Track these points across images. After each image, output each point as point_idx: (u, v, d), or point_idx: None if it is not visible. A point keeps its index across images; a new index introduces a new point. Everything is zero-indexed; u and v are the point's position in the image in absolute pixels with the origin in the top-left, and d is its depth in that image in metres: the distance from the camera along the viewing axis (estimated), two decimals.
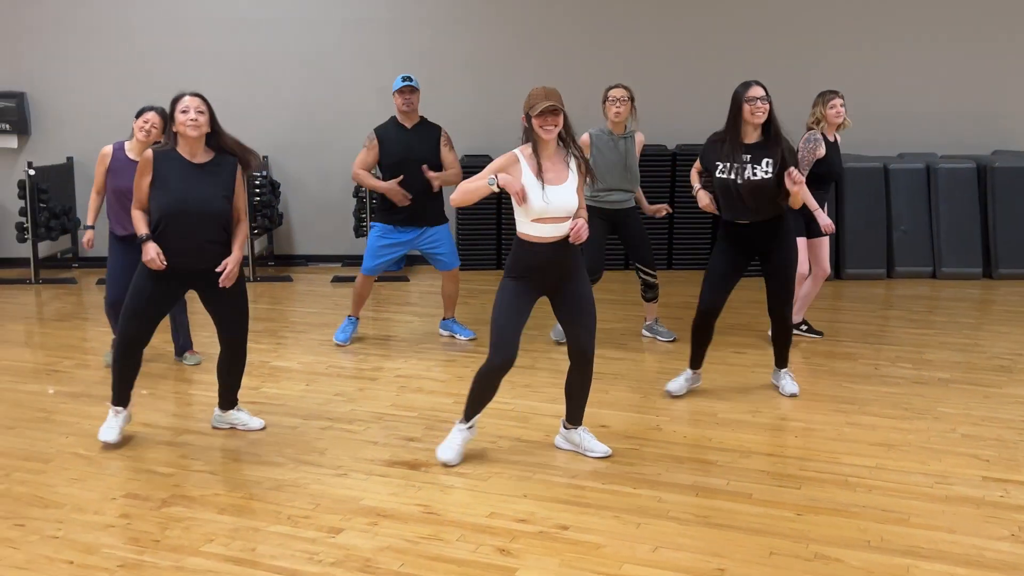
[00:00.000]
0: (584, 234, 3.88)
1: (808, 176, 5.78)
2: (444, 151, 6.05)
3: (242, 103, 9.04)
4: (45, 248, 8.78)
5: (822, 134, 5.86)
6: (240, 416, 4.63)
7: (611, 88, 5.85)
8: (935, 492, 3.81)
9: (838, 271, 8.44)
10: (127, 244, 5.31)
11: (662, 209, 6.11)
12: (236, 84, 9.06)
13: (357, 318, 6.37)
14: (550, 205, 3.85)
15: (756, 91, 4.62)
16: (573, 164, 3.95)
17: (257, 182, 8.59)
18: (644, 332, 6.38)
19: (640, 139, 5.98)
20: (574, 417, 4.26)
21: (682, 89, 8.96)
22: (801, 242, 5.92)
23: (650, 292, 6.22)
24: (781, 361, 5.14)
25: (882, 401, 4.99)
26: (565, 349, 4.20)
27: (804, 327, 6.33)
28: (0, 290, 8.21)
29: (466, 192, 3.98)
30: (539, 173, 3.87)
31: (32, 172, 8.26)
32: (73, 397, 5.11)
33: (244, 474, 4.06)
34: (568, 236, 3.91)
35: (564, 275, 4.03)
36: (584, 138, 5.84)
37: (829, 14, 9.03)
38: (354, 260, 6.72)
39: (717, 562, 3.25)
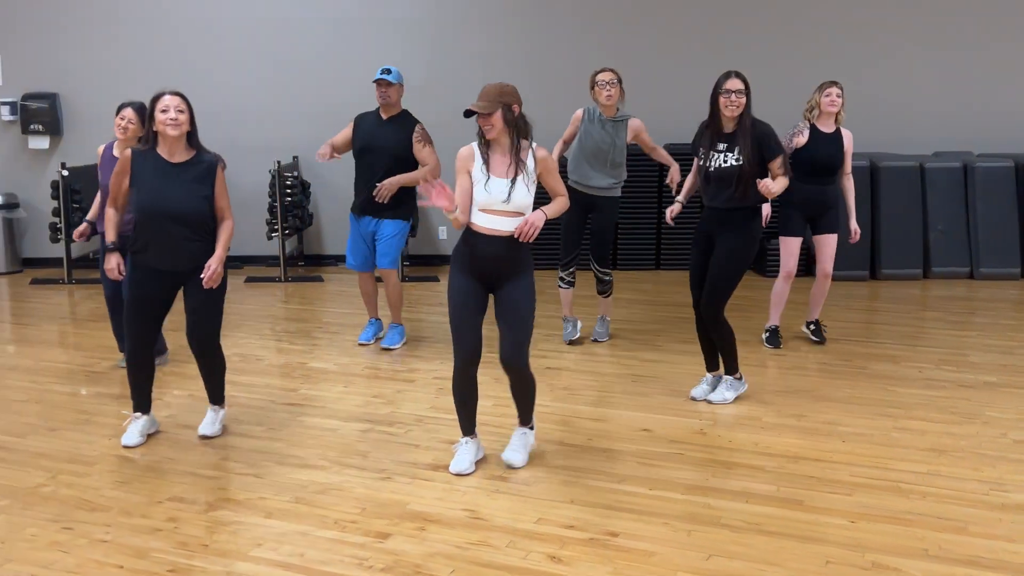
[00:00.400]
0: (530, 233, 3.88)
1: (793, 165, 5.76)
2: (417, 147, 5.91)
3: (273, 103, 9.07)
4: (78, 249, 8.81)
5: (812, 124, 5.89)
6: (207, 416, 4.59)
7: (598, 72, 5.82)
8: (991, 499, 3.74)
9: (874, 271, 8.35)
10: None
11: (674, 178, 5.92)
12: (267, 84, 9.09)
13: (375, 318, 6.37)
14: (491, 196, 3.89)
15: (733, 83, 4.64)
16: (529, 160, 3.94)
17: (288, 182, 8.59)
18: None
19: (635, 125, 5.86)
20: (520, 417, 4.24)
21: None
22: (789, 241, 5.91)
23: (601, 287, 6.16)
24: (713, 365, 5.01)
25: (929, 405, 4.91)
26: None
27: (812, 327, 6.19)
28: (33, 290, 8.27)
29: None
30: (486, 165, 3.93)
31: (65, 173, 8.30)
32: (113, 398, 5.11)
33: (288, 477, 4.04)
34: (513, 234, 3.90)
35: (504, 274, 3.96)
36: (577, 113, 5.92)
37: (865, 13, 8.93)
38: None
39: (772, 571, 3.20)
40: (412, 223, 6.17)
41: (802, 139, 5.88)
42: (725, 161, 4.68)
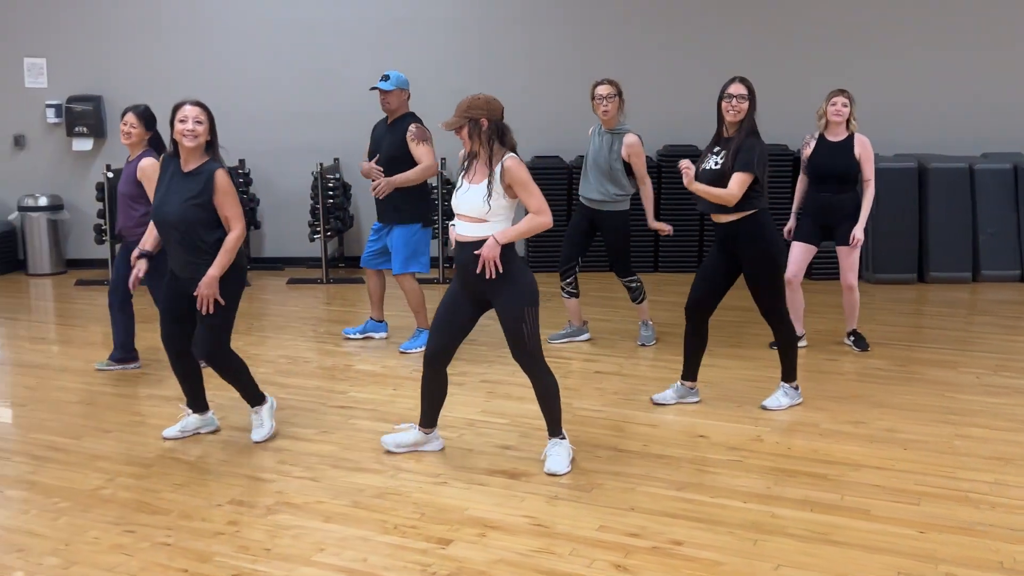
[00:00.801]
0: (490, 268, 3.88)
1: (808, 175, 5.89)
2: (412, 146, 5.87)
3: (315, 105, 9.09)
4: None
5: (821, 133, 5.81)
6: (252, 421, 4.59)
7: (597, 84, 5.76)
8: None
9: (921, 274, 8.23)
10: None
11: (664, 228, 5.92)
12: (309, 86, 9.11)
13: (373, 319, 6.40)
14: (457, 200, 4.02)
15: (735, 88, 4.58)
16: (496, 174, 3.92)
17: (330, 184, 8.61)
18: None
19: (628, 141, 5.71)
20: (548, 428, 4.22)
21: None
22: (794, 247, 5.82)
23: (631, 295, 6.12)
24: (690, 375, 4.95)
25: (989, 412, 4.82)
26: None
27: (852, 338, 6.06)
28: (78, 291, 8.33)
29: None
30: (466, 174, 4.05)
31: (110, 175, 8.36)
32: (166, 400, 5.12)
33: (345, 481, 4.03)
34: (484, 238, 3.94)
35: (482, 288, 3.99)
36: (591, 129, 5.95)
37: (914, 12, 8.80)
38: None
39: None
40: (424, 223, 6.09)
41: (808, 150, 5.86)
42: (708, 164, 4.64)
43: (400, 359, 5.95)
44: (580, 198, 5.99)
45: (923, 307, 7.45)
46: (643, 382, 5.39)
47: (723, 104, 4.60)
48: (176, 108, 4.18)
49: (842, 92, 5.78)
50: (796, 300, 5.93)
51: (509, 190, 3.93)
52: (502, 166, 3.92)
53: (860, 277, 8.23)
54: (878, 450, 4.32)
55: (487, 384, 5.41)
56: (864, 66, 8.78)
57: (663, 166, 8.59)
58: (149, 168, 5.28)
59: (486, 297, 4.05)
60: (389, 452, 4.32)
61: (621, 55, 8.86)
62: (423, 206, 6.12)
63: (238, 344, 6.28)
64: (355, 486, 3.97)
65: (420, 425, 4.35)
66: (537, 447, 4.39)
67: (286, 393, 5.29)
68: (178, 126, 4.13)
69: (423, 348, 6.01)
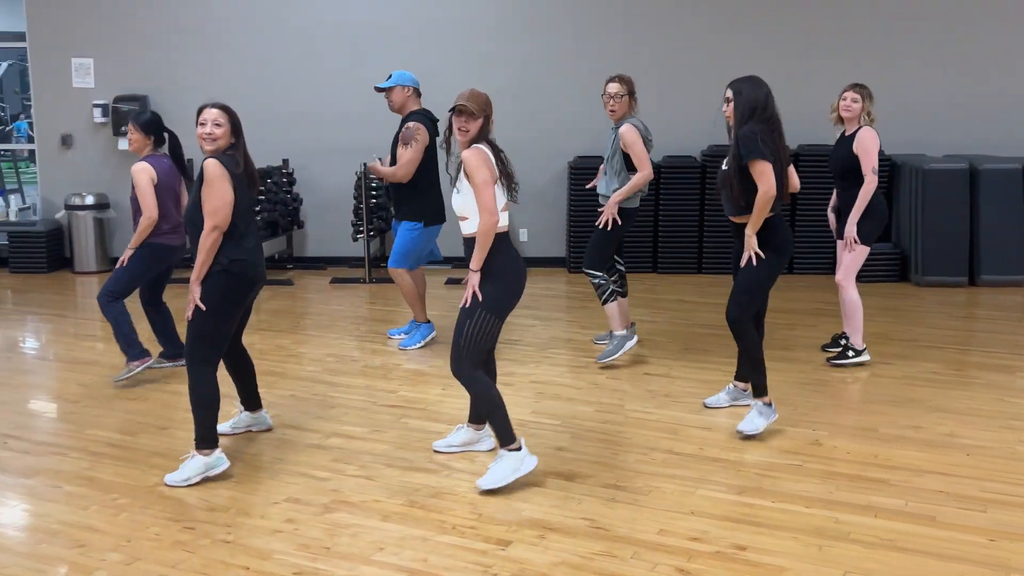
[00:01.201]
0: (467, 298, 3.85)
1: None
2: (399, 147, 5.91)
3: (359, 105, 9.10)
4: None
5: (843, 129, 5.61)
6: (240, 417, 4.62)
7: (608, 82, 5.63)
8: None
9: (972, 277, 8.08)
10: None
11: (604, 218, 5.59)
12: (354, 86, 9.11)
13: (416, 320, 6.38)
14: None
15: (727, 92, 4.52)
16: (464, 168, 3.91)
17: (373, 185, 8.62)
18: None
19: (621, 130, 5.48)
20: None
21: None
22: (863, 250, 5.53)
23: (597, 291, 5.67)
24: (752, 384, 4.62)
25: None
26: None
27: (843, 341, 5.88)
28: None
29: None
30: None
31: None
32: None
33: (400, 480, 4.02)
34: (466, 235, 3.94)
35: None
36: None
37: (965, 7, 8.66)
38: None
39: None
40: (425, 222, 6.04)
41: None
42: (723, 166, 4.58)
43: (446, 359, 5.91)
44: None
45: (975, 310, 7.32)
46: (692, 384, 5.33)
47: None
48: (199, 111, 4.08)
49: (854, 87, 5.54)
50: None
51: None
52: (461, 157, 3.90)
53: (907, 279, 8.18)
54: (939, 455, 4.24)
55: (536, 384, 5.38)
56: (913, 64, 8.66)
57: (707, 166, 8.54)
58: (137, 173, 5.27)
59: None
60: (438, 452, 4.31)
61: (665, 53, 8.80)
62: (423, 205, 6.01)
63: (283, 342, 6.37)
64: (410, 485, 3.96)
65: (469, 422, 4.34)
66: (589, 449, 4.37)
67: (336, 391, 5.29)
68: (198, 129, 4.04)
69: (422, 342, 6.10)
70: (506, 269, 3.90)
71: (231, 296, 4.03)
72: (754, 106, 4.43)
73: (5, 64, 14.07)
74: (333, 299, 7.94)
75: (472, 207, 3.87)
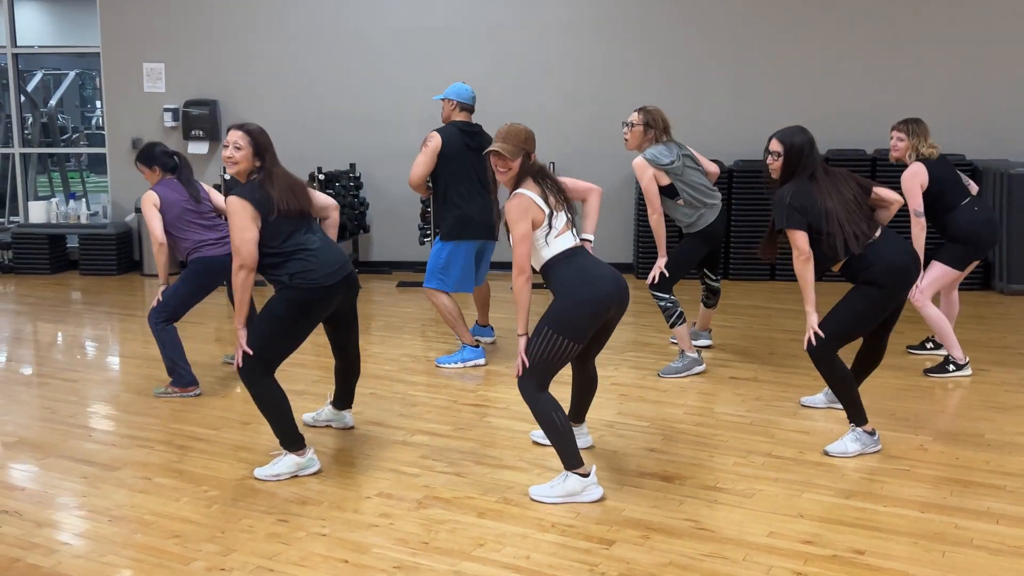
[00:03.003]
0: (517, 366, 3.69)
1: None
2: None
3: (424, 113, 9.07)
4: None
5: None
6: (323, 410, 4.62)
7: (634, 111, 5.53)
8: None
9: None
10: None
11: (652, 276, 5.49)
12: (418, 95, 9.09)
13: (479, 324, 6.28)
14: None
15: (770, 145, 4.25)
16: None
17: None
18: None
19: (634, 163, 5.41)
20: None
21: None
22: (942, 269, 5.40)
23: (665, 315, 5.54)
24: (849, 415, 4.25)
25: None
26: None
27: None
28: None
29: None
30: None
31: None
32: (297, 395, 5.08)
33: (491, 477, 3.92)
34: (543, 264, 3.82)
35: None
36: None
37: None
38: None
39: None
40: (448, 238, 5.75)
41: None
42: None
43: None
44: None
45: None
46: (782, 388, 5.17)
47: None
48: (226, 131, 3.99)
49: (898, 125, 5.41)
50: (944, 308, 5.69)
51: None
52: (505, 207, 3.77)
53: (991, 287, 7.92)
54: None
55: (618, 387, 5.26)
56: (996, 66, 8.40)
57: (735, 176, 8.39)
58: (142, 203, 5.25)
59: None
60: (536, 443, 4.22)
61: (739, 54, 8.66)
62: (441, 218, 5.81)
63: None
64: (503, 483, 3.86)
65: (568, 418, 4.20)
66: (683, 450, 4.24)
67: (415, 390, 5.22)
68: (223, 152, 3.95)
69: (461, 364, 5.74)
70: (571, 285, 3.67)
71: (292, 310, 3.88)
72: (797, 160, 4.18)
73: (71, 74, 14.33)
74: (401, 302, 7.89)
75: (539, 252, 3.76)
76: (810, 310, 4.14)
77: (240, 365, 3.87)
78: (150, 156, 5.37)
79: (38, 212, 9.50)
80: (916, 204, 5.24)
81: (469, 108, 5.95)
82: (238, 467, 4.07)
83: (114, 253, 9.28)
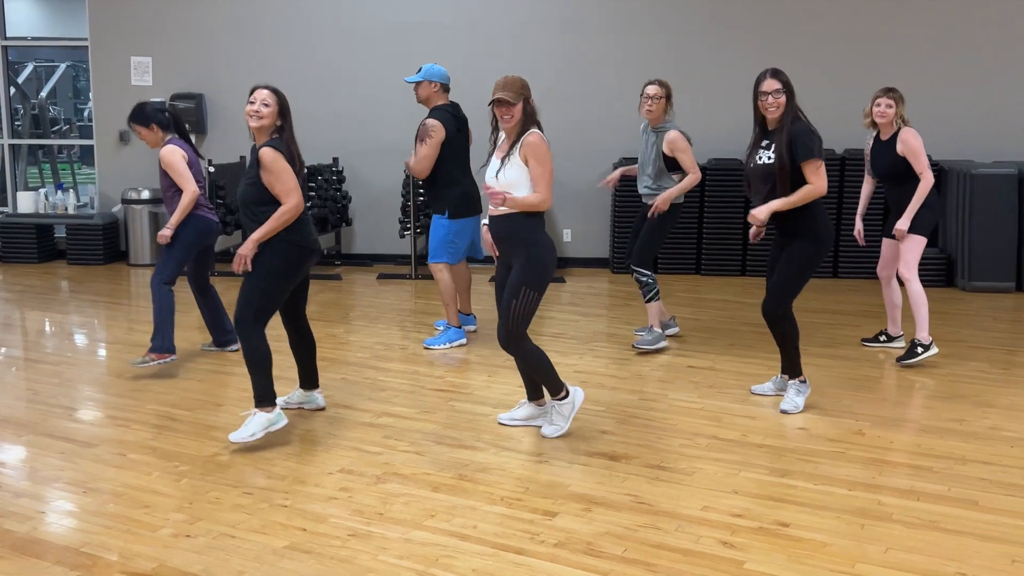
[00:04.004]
0: (493, 199, 4.02)
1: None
2: (416, 144, 5.99)
3: (407, 108, 9.25)
4: (220, 243, 9.18)
5: (876, 133, 5.69)
6: (293, 393, 4.83)
7: (647, 84, 5.81)
8: None
9: (1020, 283, 8.04)
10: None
11: (657, 208, 5.75)
12: (401, 90, 9.27)
13: (462, 312, 6.47)
14: (488, 177, 4.22)
15: (768, 84, 4.49)
16: (516, 147, 4.14)
17: (421, 183, 8.77)
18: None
19: (669, 137, 5.69)
20: (541, 392, 4.51)
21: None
22: (883, 243, 5.76)
23: (641, 289, 5.89)
24: (789, 369, 4.78)
25: None
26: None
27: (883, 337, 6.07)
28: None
29: None
30: (496, 151, 4.30)
31: (212, 169, 8.67)
32: (275, 379, 5.29)
33: (448, 456, 4.14)
34: (502, 213, 4.14)
35: (507, 254, 4.22)
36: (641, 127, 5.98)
37: (1017, 13, 8.63)
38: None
39: (956, 566, 3.12)
40: (450, 214, 6.04)
41: (867, 150, 5.80)
42: (760, 159, 4.57)
43: (494, 349, 6.04)
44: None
45: (1023, 315, 7.27)
46: (737, 377, 5.40)
47: (760, 102, 4.51)
48: (251, 90, 4.28)
49: (886, 92, 5.59)
50: (887, 296, 5.90)
51: (526, 161, 4.10)
52: (524, 140, 4.11)
53: (953, 284, 8.16)
54: (983, 446, 4.26)
55: (580, 374, 5.48)
56: (962, 69, 8.64)
57: (708, 173, 8.61)
58: (168, 155, 5.38)
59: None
60: (502, 424, 4.50)
61: (712, 53, 8.86)
62: (447, 198, 6.03)
63: (334, 331, 6.54)
64: (459, 461, 4.07)
65: (529, 399, 4.54)
66: (633, 433, 4.45)
67: (385, 376, 5.43)
68: (247, 106, 4.23)
69: (447, 345, 6.03)
70: (544, 244, 4.14)
71: (287, 264, 4.26)
72: (792, 94, 4.53)
73: (62, 66, 14.49)
74: (381, 293, 8.09)
75: (520, 181, 4.09)
76: (779, 208, 4.49)
77: (238, 317, 4.21)
78: (145, 115, 5.47)
79: (26, 202, 9.69)
80: (925, 162, 5.47)
81: (449, 89, 6.19)
82: (209, 445, 4.28)
83: (100, 243, 9.47)
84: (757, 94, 4.54)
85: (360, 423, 4.60)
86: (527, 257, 4.11)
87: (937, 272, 8.24)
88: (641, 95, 5.83)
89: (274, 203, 4.24)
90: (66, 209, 9.71)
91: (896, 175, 5.58)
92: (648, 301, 5.89)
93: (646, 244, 5.85)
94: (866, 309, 7.18)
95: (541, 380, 4.33)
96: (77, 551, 3.22)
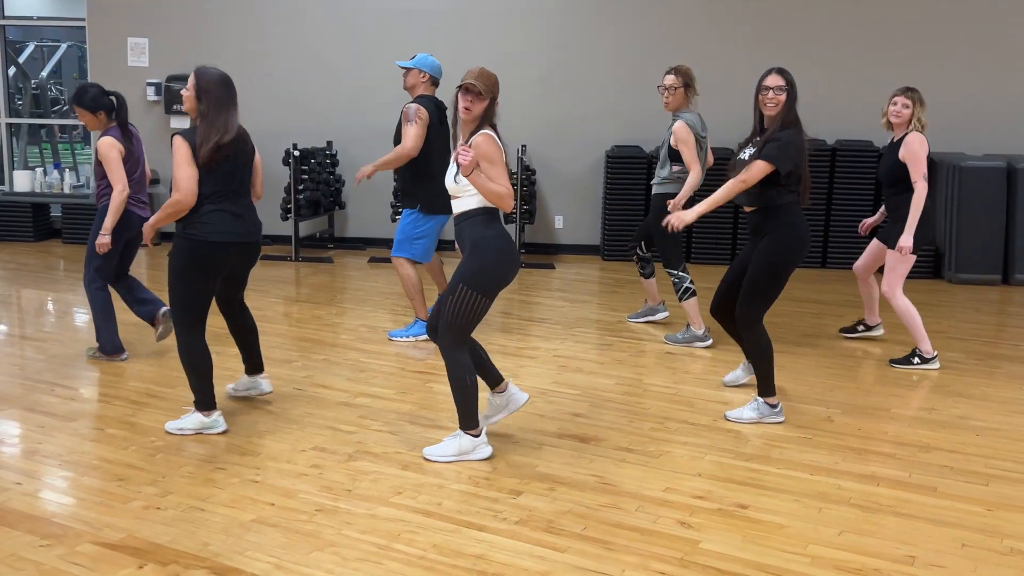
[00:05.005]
0: (464, 160, 3.65)
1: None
2: (403, 125, 5.80)
3: (400, 92, 9.32)
4: None
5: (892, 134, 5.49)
6: (240, 381, 4.73)
7: (666, 72, 5.80)
8: None
9: (1006, 276, 8.08)
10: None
11: (674, 224, 5.25)
12: (394, 74, 9.32)
13: (417, 316, 6.31)
14: (447, 179, 3.90)
15: (771, 80, 4.36)
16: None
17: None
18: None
19: (674, 128, 5.67)
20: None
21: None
22: (909, 259, 5.40)
23: (675, 289, 5.87)
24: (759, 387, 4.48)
25: None
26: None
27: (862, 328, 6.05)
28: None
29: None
30: (456, 147, 3.85)
31: None
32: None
33: (421, 436, 4.21)
34: (461, 212, 3.87)
35: (465, 250, 3.87)
36: None
37: (1007, 7, 8.64)
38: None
39: (906, 549, 3.18)
40: (422, 209, 5.88)
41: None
42: (743, 155, 4.44)
43: (477, 333, 6.07)
44: None
45: (1006, 307, 7.32)
46: (714, 363, 5.45)
47: (760, 97, 4.39)
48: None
49: (906, 91, 5.35)
50: (866, 290, 5.95)
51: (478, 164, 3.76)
52: (472, 141, 3.78)
53: (941, 276, 8.21)
54: (949, 435, 4.32)
55: (560, 359, 5.54)
56: (954, 64, 8.65)
57: None
58: (104, 148, 5.11)
59: None
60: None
61: (703, 44, 8.89)
62: (423, 191, 5.85)
63: (320, 313, 6.61)
64: (431, 440, 4.14)
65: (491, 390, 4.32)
66: (605, 416, 4.52)
67: (367, 358, 5.50)
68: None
69: (412, 339, 5.91)
70: (493, 245, 3.81)
71: (191, 262, 4.05)
72: (794, 105, 4.36)
73: (64, 46, 14.53)
74: (371, 277, 8.16)
75: (470, 186, 3.79)
76: (703, 210, 4.45)
77: (173, 317, 4.15)
78: (96, 100, 5.17)
79: (23, 181, 9.76)
80: (922, 171, 5.20)
81: (437, 84, 6.09)
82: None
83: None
84: (759, 88, 4.40)
85: (337, 403, 4.67)
86: (476, 258, 3.81)
87: (925, 264, 8.28)
88: (659, 85, 5.82)
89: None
90: (62, 189, 9.78)
91: (894, 180, 5.35)
92: (682, 300, 5.85)
93: (668, 246, 5.85)
94: (850, 299, 7.22)
95: (456, 405, 3.89)
96: (49, 521, 3.30)
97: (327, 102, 9.44)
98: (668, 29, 9.01)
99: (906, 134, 5.32)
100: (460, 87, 3.83)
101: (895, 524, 3.37)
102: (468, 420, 3.91)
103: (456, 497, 3.56)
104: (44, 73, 13.17)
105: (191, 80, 4.08)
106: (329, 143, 9.42)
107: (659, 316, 6.43)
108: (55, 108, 14.16)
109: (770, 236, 4.37)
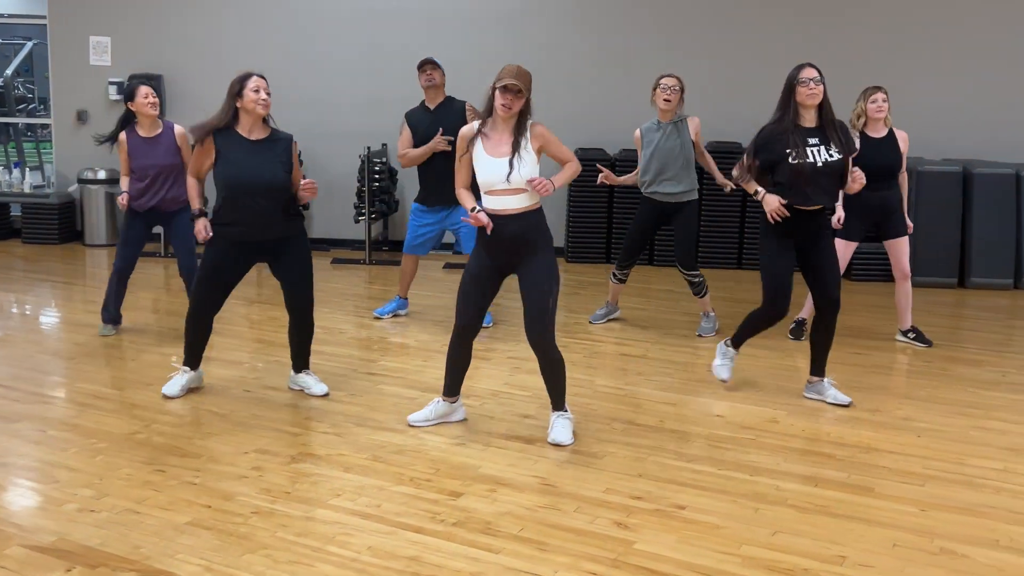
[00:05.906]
0: (543, 190, 3.95)
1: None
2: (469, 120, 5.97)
3: (366, 91, 9.31)
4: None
5: (863, 131, 5.76)
6: (307, 380, 4.83)
7: (663, 76, 5.92)
8: None
9: (962, 279, 8.17)
10: (139, 218, 5.79)
11: (728, 184, 5.86)
12: (361, 72, 9.32)
13: (403, 298, 6.60)
14: (492, 176, 4.02)
15: (808, 72, 4.55)
16: (523, 142, 4.02)
17: (376, 169, 8.82)
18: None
19: (696, 123, 5.96)
20: (553, 402, 4.28)
21: None
22: (846, 245, 5.74)
23: (694, 289, 6.15)
24: (817, 369, 4.87)
25: (1011, 407, 4.82)
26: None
27: (912, 335, 6.08)
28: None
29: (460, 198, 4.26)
30: (484, 146, 4.06)
31: None
32: (207, 360, 5.33)
33: (367, 438, 4.20)
34: (520, 211, 4.04)
35: (521, 252, 4.09)
36: (635, 134, 6.07)
37: (964, 18, 8.74)
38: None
39: (838, 549, 3.21)
40: (420, 202, 6.38)
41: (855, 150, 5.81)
42: (830, 155, 4.53)
43: (434, 335, 6.10)
44: (651, 195, 6.03)
45: (960, 310, 7.40)
46: (665, 365, 5.48)
47: (800, 90, 4.51)
48: (246, 78, 4.43)
49: (879, 88, 5.79)
50: (902, 294, 6.09)
51: (538, 152, 4.08)
52: (531, 132, 4.04)
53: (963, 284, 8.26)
54: (891, 436, 4.36)
55: (513, 360, 5.55)
56: (911, 69, 8.73)
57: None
58: (184, 136, 5.62)
59: (514, 269, 4.15)
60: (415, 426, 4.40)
61: (668, 49, 8.93)
62: (421, 185, 6.29)
63: (277, 314, 6.59)
64: (376, 443, 4.14)
65: (444, 395, 4.42)
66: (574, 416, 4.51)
67: (318, 359, 5.45)
68: (252, 95, 4.37)
69: (389, 314, 6.44)
70: (552, 243, 4.17)
71: (217, 247, 4.53)
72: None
73: (30, 43, 14.38)
74: (333, 278, 8.13)
75: (535, 174, 4.02)
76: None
77: (311, 306, 4.78)
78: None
79: None
80: (904, 162, 5.79)
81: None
82: (131, 423, 4.32)
83: (56, 223, 9.46)
84: (797, 83, 4.52)
85: (284, 404, 4.65)
86: (550, 252, 4.11)
87: (882, 268, 8.32)
88: (655, 87, 5.91)
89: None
90: (22, 188, 9.68)
91: (895, 173, 5.76)
92: (701, 296, 6.16)
93: (690, 248, 6.08)
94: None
95: (560, 386, 4.20)
96: None
97: (290, 102, 9.25)
98: (657, 34, 9.04)
99: (891, 129, 5.75)
100: (500, 86, 3.95)
101: (829, 524, 3.41)
102: (564, 398, 4.27)
103: (396, 499, 3.55)
104: (9, 71, 13.03)
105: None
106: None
107: (617, 314, 6.50)
108: (20, 107, 14.01)
109: (831, 231, 4.80)
